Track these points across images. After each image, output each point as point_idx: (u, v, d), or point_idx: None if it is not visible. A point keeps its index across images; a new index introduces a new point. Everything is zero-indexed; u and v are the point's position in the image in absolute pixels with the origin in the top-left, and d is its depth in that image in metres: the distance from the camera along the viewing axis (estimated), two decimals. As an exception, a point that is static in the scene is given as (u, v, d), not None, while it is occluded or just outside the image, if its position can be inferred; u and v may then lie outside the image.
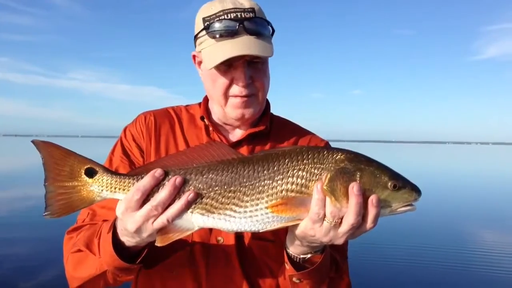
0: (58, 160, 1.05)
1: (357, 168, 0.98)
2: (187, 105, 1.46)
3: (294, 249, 1.11)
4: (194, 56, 1.34)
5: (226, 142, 1.32)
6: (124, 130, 1.38)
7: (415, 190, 1.01)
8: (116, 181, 1.03)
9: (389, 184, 0.98)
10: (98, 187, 1.04)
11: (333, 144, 1.48)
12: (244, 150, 1.31)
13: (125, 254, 1.07)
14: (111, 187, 1.03)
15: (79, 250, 1.16)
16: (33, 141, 1.06)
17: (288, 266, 1.13)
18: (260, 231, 1.01)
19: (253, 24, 1.19)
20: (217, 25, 1.19)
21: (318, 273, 1.11)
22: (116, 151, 1.34)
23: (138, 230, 0.99)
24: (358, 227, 0.97)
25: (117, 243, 1.07)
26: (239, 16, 1.19)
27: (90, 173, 1.04)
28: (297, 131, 1.44)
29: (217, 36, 1.20)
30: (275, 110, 1.50)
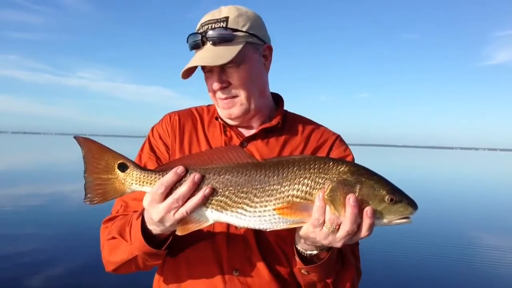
0: (96, 154, 1.19)
1: (358, 180, 1.05)
2: (208, 105, 1.58)
3: (301, 246, 1.20)
4: None
5: (241, 138, 1.44)
6: (152, 129, 1.53)
7: (411, 204, 1.06)
8: (144, 176, 1.16)
9: (387, 197, 1.04)
10: (129, 181, 1.17)
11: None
12: (258, 144, 1.43)
13: (153, 241, 1.21)
14: (139, 181, 1.17)
15: (113, 238, 1.30)
16: (75, 137, 1.22)
17: (297, 259, 1.23)
18: (267, 230, 1.11)
19: (214, 33, 1.32)
20: (189, 40, 1.37)
21: (324, 268, 1.21)
22: (144, 148, 1.49)
23: (162, 220, 1.11)
24: (354, 234, 1.05)
25: (145, 231, 1.20)
26: (209, 27, 1.33)
27: (123, 167, 1.18)
28: (310, 126, 1.52)
29: (190, 50, 1.39)
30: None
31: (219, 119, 1.46)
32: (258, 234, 1.32)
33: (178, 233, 1.13)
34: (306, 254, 1.20)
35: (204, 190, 1.09)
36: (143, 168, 1.18)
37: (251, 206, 1.09)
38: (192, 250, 1.34)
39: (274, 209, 1.07)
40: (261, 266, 1.32)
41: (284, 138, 1.45)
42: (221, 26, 1.31)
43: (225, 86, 1.36)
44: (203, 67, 1.39)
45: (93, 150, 1.19)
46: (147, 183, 1.16)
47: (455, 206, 12.94)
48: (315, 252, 1.18)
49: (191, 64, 1.32)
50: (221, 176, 1.11)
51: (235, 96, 1.37)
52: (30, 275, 5.30)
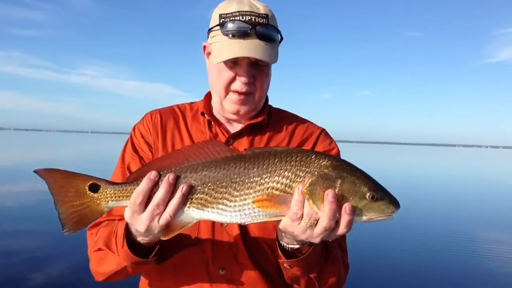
0: (63, 183, 1.13)
1: (339, 175, 1.02)
2: (191, 102, 1.55)
3: (283, 240, 1.18)
4: (204, 47, 1.42)
5: (227, 134, 1.41)
6: (133, 129, 1.48)
7: (393, 203, 1.03)
8: (118, 191, 1.11)
9: (368, 194, 1.01)
10: (104, 199, 1.12)
11: (340, 146, 1.50)
12: (244, 141, 1.41)
13: (140, 248, 1.17)
14: (115, 197, 1.12)
15: (100, 249, 1.28)
16: (35, 171, 1.13)
17: (279, 252, 1.21)
18: (247, 224, 1.09)
19: (265, 29, 1.29)
20: (231, 25, 1.29)
21: (306, 262, 1.19)
22: (127, 148, 1.45)
23: (148, 230, 1.08)
24: (332, 230, 1.03)
25: (132, 241, 1.16)
26: (253, 19, 1.29)
27: (94, 188, 1.12)
28: (295, 121, 1.51)
29: (230, 35, 1.29)
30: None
31: (205, 115, 1.43)
32: (244, 231, 1.31)
33: (163, 237, 1.09)
34: (288, 247, 1.18)
35: (182, 189, 1.05)
36: (115, 183, 1.13)
37: (231, 201, 1.06)
38: (177, 251, 1.31)
39: (253, 202, 1.04)
40: (247, 263, 1.30)
41: (269, 134, 1.44)
42: (264, 22, 1.30)
43: (252, 81, 1.34)
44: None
45: (58, 179, 1.13)
46: (123, 196, 1.11)
47: (455, 203, 12.91)
48: (296, 246, 1.16)
49: (246, 53, 1.26)
50: (198, 173, 1.07)
51: (252, 93, 1.36)
52: (31, 272, 5.30)
